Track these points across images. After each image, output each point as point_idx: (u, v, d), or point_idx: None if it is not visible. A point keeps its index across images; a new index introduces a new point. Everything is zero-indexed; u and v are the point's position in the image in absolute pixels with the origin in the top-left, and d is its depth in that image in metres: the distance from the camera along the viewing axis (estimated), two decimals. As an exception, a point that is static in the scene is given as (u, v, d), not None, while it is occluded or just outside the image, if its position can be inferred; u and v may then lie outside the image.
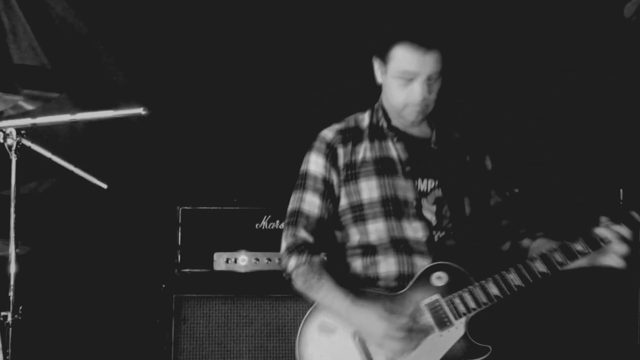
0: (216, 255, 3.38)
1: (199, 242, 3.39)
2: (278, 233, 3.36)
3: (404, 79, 2.50)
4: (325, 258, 2.58)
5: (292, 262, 2.56)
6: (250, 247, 3.40)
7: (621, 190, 3.37)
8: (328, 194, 2.62)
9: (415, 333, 2.43)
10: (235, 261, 3.39)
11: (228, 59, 3.99)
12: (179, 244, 3.39)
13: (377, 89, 2.69)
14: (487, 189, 2.71)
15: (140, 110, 2.94)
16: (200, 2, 3.96)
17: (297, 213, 2.62)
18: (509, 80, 3.97)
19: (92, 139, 3.87)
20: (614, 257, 2.45)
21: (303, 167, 2.68)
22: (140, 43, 3.90)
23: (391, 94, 2.57)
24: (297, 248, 2.57)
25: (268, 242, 3.39)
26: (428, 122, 2.68)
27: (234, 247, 3.40)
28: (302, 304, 2.58)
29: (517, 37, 3.95)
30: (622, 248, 2.43)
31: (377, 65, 2.61)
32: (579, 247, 2.46)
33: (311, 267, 2.54)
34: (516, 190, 2.75)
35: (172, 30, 3.92)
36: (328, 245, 2.63)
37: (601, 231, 2.45)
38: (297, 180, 2.68)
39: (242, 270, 3.39)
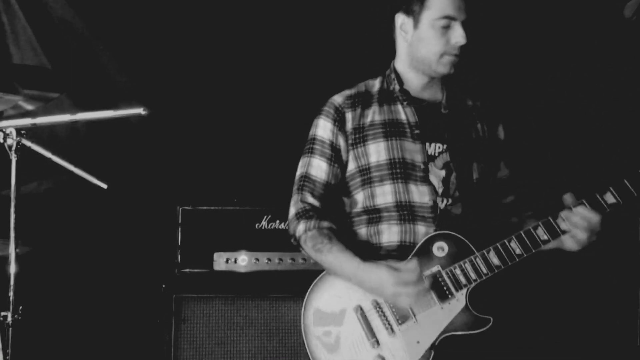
0: (216, 255, 3.38)
1: (199, 242, 3.39)
2: (278, 233, 3.38)
3: (442, 26, 2.52)
4: (335, 226, 2.59)
5: (301, 227, 2.59)
6: (250, 247, 3.40)
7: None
8: (335, 158, 2.64)
9: (423, 291, 2.43)
10: (235, 261, 3.38)
11: (228, 60, 3.99)
12: (179, 244, 3.39)
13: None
14: (497, 159, 2.70)
15: (140, 110, 2.94)
16: (200, 2, 3.96)
17: (305, 178, 2.65)
18: (508, 80, 3.97)
19: (92, 139, 3.87)
20: (571, 241, 2.46)
21: (311, 132, 2.70)
22: (140, 43, 3.90)
23: (427, 45, 2.57)
24: (306, 213, 2.60)
25: (268, 242, 3.39)
26: (440, 86, 2.70)
27: (234, 247, 3.39)
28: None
29: (517, 38, 3.95)
30: (583, 236, 2.43)
31: (401, 21, 2.62)
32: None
33: (320, 231, 2.56)
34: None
35: (172, 31, 3.92)
36: (335, 214, 2.64)
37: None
38: (306, 144, 2.70)
39: (242, 270, 3.38)
